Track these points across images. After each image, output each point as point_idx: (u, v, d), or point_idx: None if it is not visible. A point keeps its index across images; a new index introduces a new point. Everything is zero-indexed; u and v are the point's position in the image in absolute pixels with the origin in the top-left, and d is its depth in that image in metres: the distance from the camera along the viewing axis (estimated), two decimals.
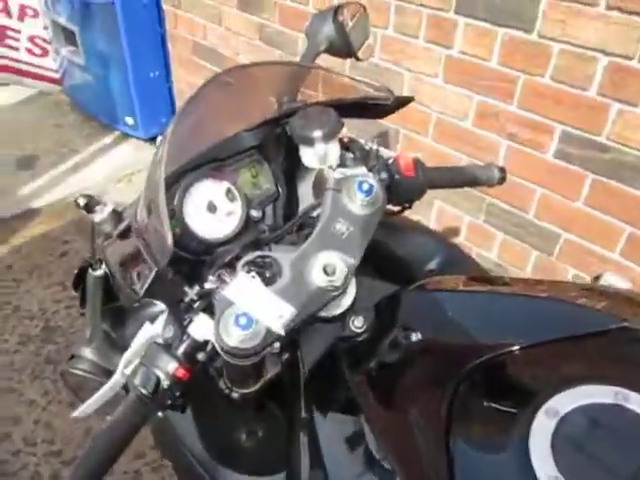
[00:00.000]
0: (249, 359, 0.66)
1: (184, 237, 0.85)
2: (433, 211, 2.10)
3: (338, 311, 0.74)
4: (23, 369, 2.02)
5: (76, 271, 0.86)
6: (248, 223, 0.90)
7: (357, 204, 0.75)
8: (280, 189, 0.95)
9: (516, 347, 0.59)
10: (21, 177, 3.06)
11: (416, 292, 0.74)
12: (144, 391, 0.67)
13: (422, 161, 0.88)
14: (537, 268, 1.88)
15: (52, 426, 1.83)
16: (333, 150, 0.80)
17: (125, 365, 0.76)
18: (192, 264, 0.86)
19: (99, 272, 0.83)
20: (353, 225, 0.74)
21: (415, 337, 0.66)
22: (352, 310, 0.75)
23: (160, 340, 0.73)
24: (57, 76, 3.74)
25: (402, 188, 0.86)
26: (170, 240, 0.66)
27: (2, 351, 2.09)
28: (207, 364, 0.72)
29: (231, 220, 0.89)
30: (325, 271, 0.70)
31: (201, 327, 0.71)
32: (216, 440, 0.81)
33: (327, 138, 0.77)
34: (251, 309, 0.66)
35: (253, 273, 0.70)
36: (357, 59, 1.05)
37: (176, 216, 0.84)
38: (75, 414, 0.78)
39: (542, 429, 0.47)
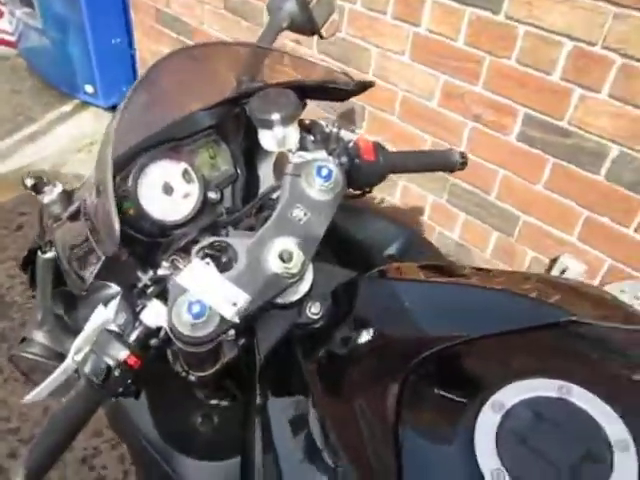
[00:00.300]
0: (203, 346, 0.65)
1: (139, 219, 0.82)
2: (397, 190, 2.10)
3: (295, 297, 0.73)
4: None
5: (25, 252, 0.82)
6: (205, 205, 0.88)
7: (316, 189, 0.74)
8: (239, 171, 0.93)
9: (466, 338, 0.59)
10: None
11: (373, 280, 0.74)
12: (94, 379, 0.65)
13: (383, 145, 0.88)
14: (497, 249, 1.91)
15: (8, 403, 1.79)
16: (292, 133, 0.79)
17: (76, 351, 0.74)
18: (147, 246, 0.84)
19: (49, 255, 0.80)
20: (311, 211, 0.74)
21: (367, 334, 0.67)
22: (309, 296, 0.74)
23: (112, 326, 0.72)
24: (13, 39, 3.55)
25: (362, 172, 0.85)
26: (117, 228, 0.63)
27: None
28: (162, 348, 0.71)
29: (188, 202, 0.87)
30: (281, 258, 0.69)
31: (154, 313, 0.69)
32: (170, 424, 0.81)
33: (286, 121, 0.75)
34: (204, 296, 0.65)
35: (208, 259, 0.68)
36: (320, 37, 1.03)
37: (130, 197, 0.81)
38: (27, 399, 0.76)
39: (487, 422, 0.48)
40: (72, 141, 3.05)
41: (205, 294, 0.65)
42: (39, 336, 0.85)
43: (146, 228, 0.84)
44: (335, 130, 0.89)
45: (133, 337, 0.69)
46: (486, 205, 1.87)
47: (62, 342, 0.85)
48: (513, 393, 0.50)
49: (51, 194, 0.77)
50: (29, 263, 0.84)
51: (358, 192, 0.91)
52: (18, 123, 3.14)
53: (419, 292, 0.69)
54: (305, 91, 0.82)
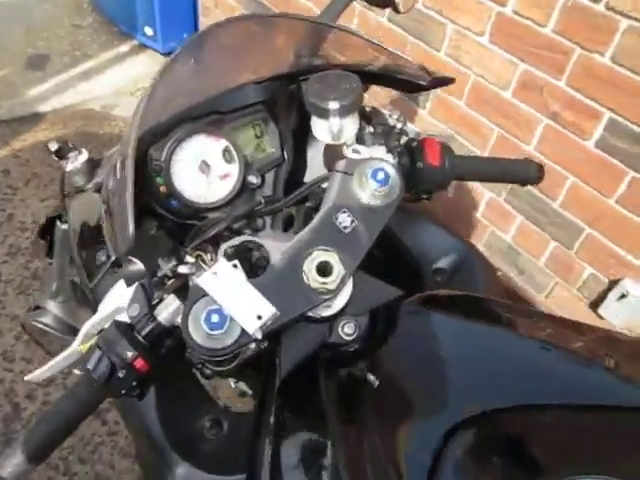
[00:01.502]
0: (218, 357, 0.58)
1: (170, 197, 0.75)
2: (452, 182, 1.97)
3: (328, 313, 0.65)
4: (9, 281, 1.97)
5: (43, 221, 0.76)
6: (243, 190, 0.80)
7: (368, 193, 0.64)
8: (286, 154, 0.83)
9: (521, 403, 0.50)
10: (30, 77, 2.90)
11: (417, 307, 0.65)
12: (95, 377, 0.59)
13: (450, 148, 0.76)
14: (553, 259, 1.77)
15: (31, 346, 1.79)
16: (350, 125, 0.68)
17: (84, 338, 0.68)
18: (175, 227, 0.77)
19: (64, 226, 0.73)
20: (360, 218, 0.64)
21: (402, 370, 0.58)
22: (344, 314, 0.66)
23: (124, 317, 0.65)
24: None
25: (423, 177, 0.75)
26: (132, 230, 0.55)
27: None
28: (177, 349, 0.64)
29: (225, 184, 0.78)
30: (319, 271, 0.60)
31: (171, 310, 0.62)
32: (177, 425, 0.74)
33: (345, 111, 0.65)
34: (226, 304, 0.57)
35: (235, 261, 0.60)
36: (396, 11, 0.91)
37: (163, 172, 0.73)
38: (28, 378, 0.71)
39: None
40: (126, 83, 3.00)
41: (227, 302, 0.57)
42: (52, 306, 0.80)
43: (176, 207, 0.76)
44: (399, 124, 0.78)
45: (143, 334, 0.61)
46: (548, 211, 1.72)
47: (76, 315, 0.80)
48: None
49: (75, 161, 0.69)
50: (47, 231, 0.78)
51: (414, 197, 0.81)
52: (75, 58, 3.10)
53: (470, 334, 0.59)
54: (370, 77, 0.71)
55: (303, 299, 0.60)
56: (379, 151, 0.71)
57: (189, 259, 0.63)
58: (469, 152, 1.86)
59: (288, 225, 0.82)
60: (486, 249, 1.95)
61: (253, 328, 0.57)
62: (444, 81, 0.78)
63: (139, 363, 0.59)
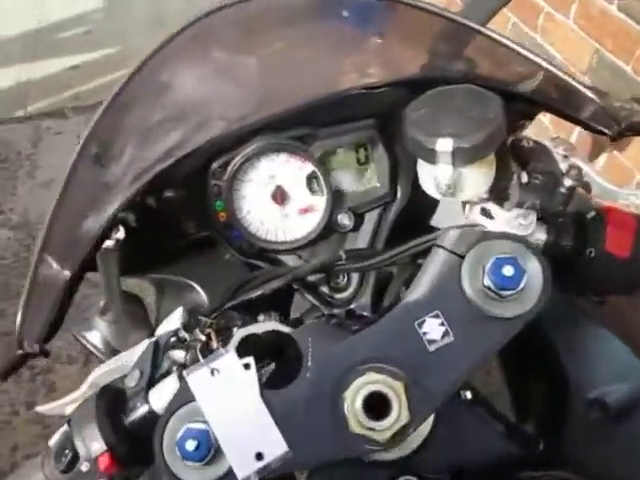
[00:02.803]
0: None
1: (231, 227, 0.58)
2: None
3: (397, 455, 0.44)
4: None
5: None
6: (331, 231, 0.60)
7: (483, 294, 0.40)
8: (400, 191, 0.60)
9: None
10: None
11: None
12: (55, 461, 0.45)
13: None
14: None
15: None
16: (477, 177, 0.43)
17: (89, 388, 0.55)
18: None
19: (109, 242, 0.60)
20: (460, 331, 0.40)
21: None
22: (413, 466, 0.44)
23: (120, 380, 0.50)
24: None
25: (596, 272, 0.45)
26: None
27: None
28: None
29: (305, 220, 0.59)
30: (369, 405, 0.38)
31: (167, 396, 0.45)
32: None
33: (464, 157, 0.40)
34: (216, 425, 0.39)
35: (249, 360, 0.41)
36: None
37: (224, 195, 0.56)
38: (39, 409, 0.62)
39: None
40: None
41: (218, 421, 0.39)
42: (100, 325, 0.69)
43: (238, 240, 0.59)
44: (574, 171, 0.49)
45: (130, 420, 0.46)
46: None
47: (127, 339, 0.69)
48: None
49: None
50: None
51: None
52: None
53: None
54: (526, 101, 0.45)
55: (332, 443, 0.39)
56: (523, 220, 0.44)
57: (195, 335, 0.45)
58: None
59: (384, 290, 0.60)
60: None
61: (245, 471, 0.38)
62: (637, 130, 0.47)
63: (104, 461, 0.44)
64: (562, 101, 0.47)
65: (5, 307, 1.73)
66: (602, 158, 1.63)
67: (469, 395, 0.55)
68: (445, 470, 0.45)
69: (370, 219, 0.60)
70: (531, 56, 0.47)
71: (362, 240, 0.60)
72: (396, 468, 0.44)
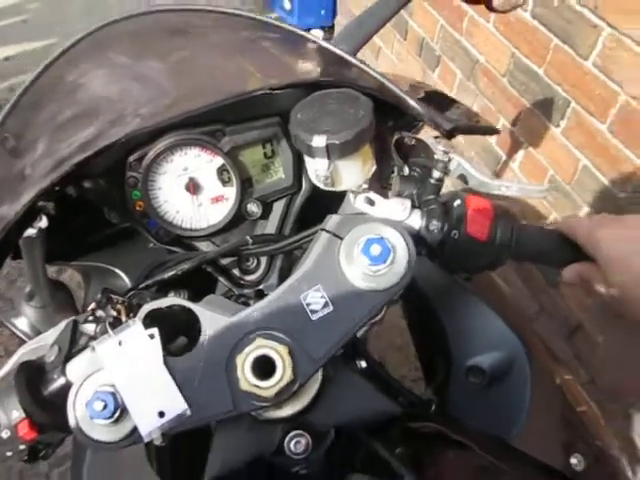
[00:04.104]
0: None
1: (148, 216, 0.63)
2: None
3: (275, 414, 0.49)
4: None
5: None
6: (241, 219, 0.65)
7: (357, 270, 0.47)
8: (304, 183, 0.67)
9: None
10: None
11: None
12: None
13: (510, 216, 0.53)
14: None
15: None
16: (352, 169, 0.49)
17: (15, 362, 0.59)
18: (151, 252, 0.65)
19: (32, 230, 0.64)
20: (338, 302, 0.46)
21: None
22: (302, 421, 0.50)
23: (41, 355, 0.54)
24: None
25: (460, 253, 0.53)
26: None
27: None
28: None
29: (217, 209, 0.64)
30: (257, 367, 0.44)
31: (86, 365, 0.50)
32: None
33: (337, 151, 0.46)
34: (123, 388, 0.44)
35: (154, 330, 0.46)
36: (490, 9, 0.68)
37: (140, 186, 0.61)
38: None
39: None
40: None
41: (125, 385, 0.44)
42: (27, 310, 0.72)
43: (155, 229, 0.64)
44: (449, 164, 0.56)
45: (48, 391, 0.50)
46: None
47: (53, 324, 0.72)
48: None
49: None
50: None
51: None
52: None
53: None
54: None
55: (225, 400, 0.44)
56: (400, 206, 0.51)
57: (107, 312, 0.50)
58: (607, 195, 1.51)
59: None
60: None
61: (148, 428, 0.43)
62: (486, 130, 0.55)
63: (23, 427, 0.48)
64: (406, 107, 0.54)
65: None
66: (519, 155, 1.75)
67: (364, 364, 0.62)
68: (332, 426, 0.51)
69: (277, 208, 0.66)
70: (373, 74, 0.55)
71: (271, 227, 0.66)
72: (289, 424, 0.51)
